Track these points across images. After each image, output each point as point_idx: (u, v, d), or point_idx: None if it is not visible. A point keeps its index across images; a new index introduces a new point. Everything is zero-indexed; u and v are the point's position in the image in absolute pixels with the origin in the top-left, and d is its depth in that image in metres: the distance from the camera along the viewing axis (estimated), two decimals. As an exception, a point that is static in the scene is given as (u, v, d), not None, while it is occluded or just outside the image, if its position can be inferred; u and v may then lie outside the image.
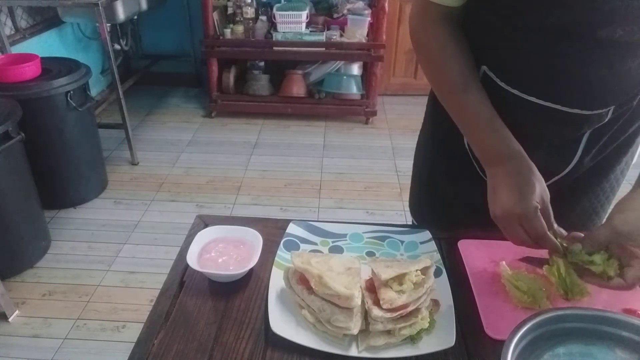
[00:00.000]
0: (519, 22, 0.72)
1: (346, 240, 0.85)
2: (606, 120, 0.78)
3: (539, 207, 0.68)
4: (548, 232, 0.68)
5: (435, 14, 0.78)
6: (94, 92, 3.25)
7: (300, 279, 0.70)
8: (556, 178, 0.86)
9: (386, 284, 0.67)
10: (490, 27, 0.76)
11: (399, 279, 0.67)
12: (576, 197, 0.92)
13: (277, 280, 0.74)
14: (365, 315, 0.66)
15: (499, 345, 0.56)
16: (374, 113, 3.42)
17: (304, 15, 3.16)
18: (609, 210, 0.96)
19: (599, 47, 0.69)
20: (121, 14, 2.88)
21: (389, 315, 0.64)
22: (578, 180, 0.88)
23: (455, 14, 0.78)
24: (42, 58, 2.27)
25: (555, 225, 0.70)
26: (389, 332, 0.65)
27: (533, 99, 0.76)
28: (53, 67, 2.31)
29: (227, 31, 3.28)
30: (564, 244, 0.70)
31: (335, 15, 3.38)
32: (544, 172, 0.85)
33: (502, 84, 0.78)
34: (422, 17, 0.80)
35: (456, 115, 0.81)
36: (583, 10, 0.65)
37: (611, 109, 0.77)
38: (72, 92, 2.22)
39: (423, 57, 0.83)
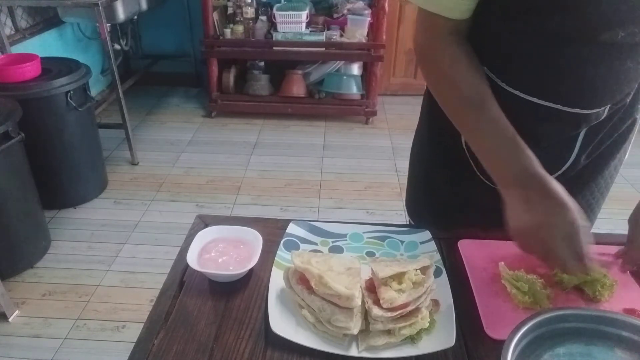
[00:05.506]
0: (520, 25, 0.71)
1: (346, 240, 0.85)
2: (602, 118, 0.79)
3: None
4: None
5: (444, 29, 0.75)
6: (94, 92, 3.25)
7: (300, 279, 0.70)
8: (553, 176, 0.86)
9: (385, 283, 0.67)
10: (490, 29, 0.76)
11: (398, 278, 0.67)
12: (572, 195, 0.92)
13: (277, 280, 0.74)
14: (365, 315, 0.66)
15: (499, 345, 0.56)
16: (374, 113, 3.42)
17: (304, 15, 3.16)
18: (603, 206, 0.97)
19: (601, 49, 0.69)
20: (121, 14, 2.88)
21: (389, 314, 0.64)
22: (573, 178, 0.88)
23: (463, 28, 0.76)
24: (42, 58, 2.27)
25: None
26: (389, 332, 0.65)
27: (534, 99, 0.76)
28: (53, 67, 2.31)
29: (227, 31, 3.28)
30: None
31: (335, 15, 3.38)
32: None
33: (503, 85, 0.78)
34: (430, 34, 0.76)
35: (472, 134, 0.77)
36: (585, 15, 0.65)
37: (607, 107, 0.78)
38: (72, 92, 2.22)
39: (433, 75, 0.79)
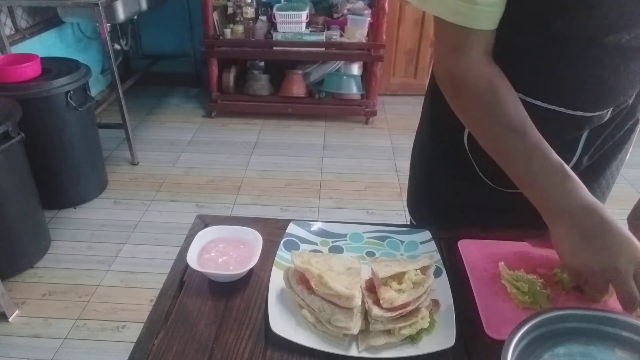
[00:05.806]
0: (523, 27, 0.71)
1: (346, 240, 0.85)
2: (605, 119, 0.79)
3: None
4: None
5: (475, 46, 0.70)
6: (94, 92, 3.25)
7: (300, 279, 0.70)
8: None
9: (385, 283, 0.67)
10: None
11: (398, 278, 0.67)
12: None
13: (277, 280, 0.73)
14: (365, 315, 0.66)
15: (499, 345, 0.56)
16: (374, 113, 3.42)
17: (304, 15, 3.16)
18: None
19: (605, 52, 0.69)
20: (121, 14, 2.88)
21: (389, 314, 0.63)
22: None
23: (491, 45, 0.72)
24: (42, 58, 2.28)
25: None
26: (389, 332, 0.65)
27: (537, 102, 0.76)
28: (53, 67, 2.31)
29: (227, 31, 3.28)
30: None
31: (335, 15, 3.38)
32: None
33: None
34: (461, 55, 0.71)
35: (514, 162, 0.72)
36: (588, 17, 0.65)
37: (610, 109, 0.77)
38: (72, 92, 2.22)
39: (465, 99, 0.74)
